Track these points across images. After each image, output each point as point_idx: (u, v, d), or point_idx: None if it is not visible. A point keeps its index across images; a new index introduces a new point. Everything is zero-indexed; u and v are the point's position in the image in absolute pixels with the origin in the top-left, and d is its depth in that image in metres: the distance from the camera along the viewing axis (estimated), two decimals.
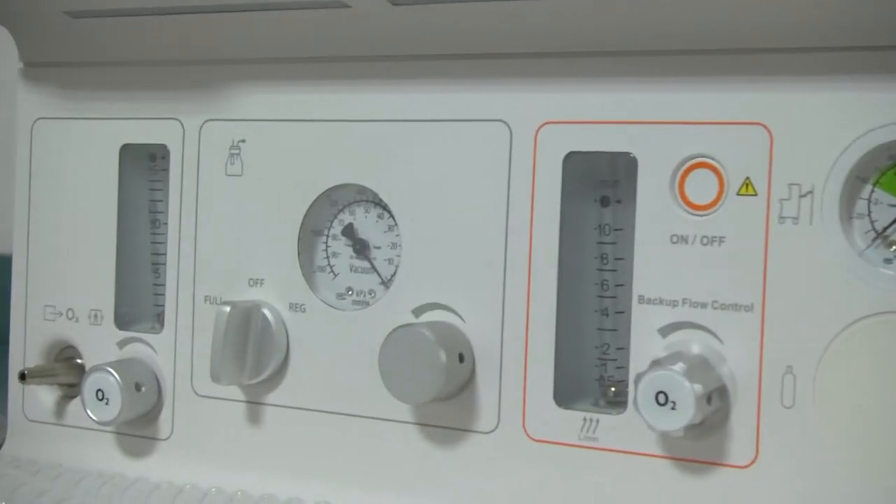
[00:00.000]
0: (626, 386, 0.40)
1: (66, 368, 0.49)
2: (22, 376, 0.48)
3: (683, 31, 0.38)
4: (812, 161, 0.37)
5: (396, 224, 0.43)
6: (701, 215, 0.38)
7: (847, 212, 0.37)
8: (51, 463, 0.47)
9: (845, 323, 0.36)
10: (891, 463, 0.35)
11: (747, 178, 0.38)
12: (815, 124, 0.37)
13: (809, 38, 0.37)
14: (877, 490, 0.36)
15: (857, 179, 0.37)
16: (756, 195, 0.38)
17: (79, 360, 0.49)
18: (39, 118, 0.50)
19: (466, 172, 0.42)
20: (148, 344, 0.48)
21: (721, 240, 0.38)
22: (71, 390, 0.50)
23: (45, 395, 0.50)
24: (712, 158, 0.38)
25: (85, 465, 0.47)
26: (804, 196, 0.37)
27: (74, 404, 0.49)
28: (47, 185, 0.50)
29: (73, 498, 0.40)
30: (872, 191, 0.37)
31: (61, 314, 0.50)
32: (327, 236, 0.46)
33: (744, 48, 0.38)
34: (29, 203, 0.50)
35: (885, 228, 0.37)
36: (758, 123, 0.38)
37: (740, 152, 0.38)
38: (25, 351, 0.50)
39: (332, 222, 0.46)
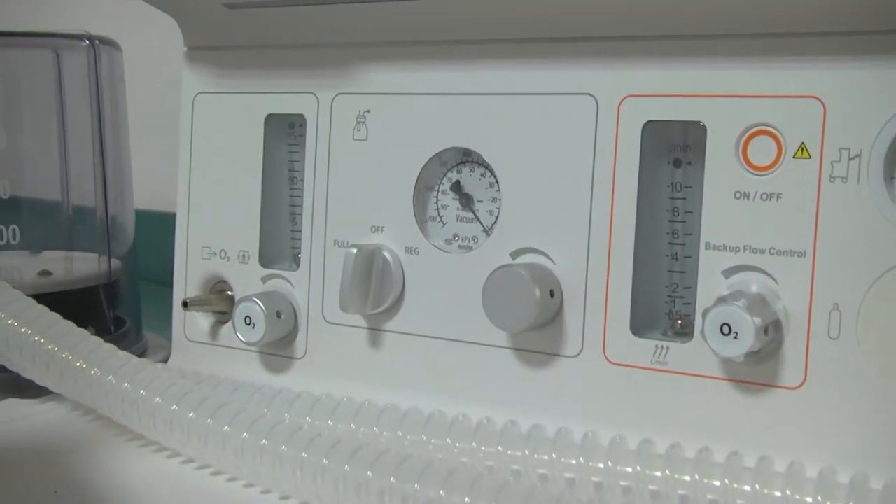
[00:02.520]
0: (693, 319, 0.41)
1: (219, 299, 0.51)
2: (184, 304, 0.51)
3: (749, 16, 0.39)
4: (860, 129, 0.37)
5: (497, 181, 0.44)
6: (761, 175, 0.39)
7: (890, 172, 0.37)
8: (209, 375, 0.49)
9: (886, 267, 0.37)
10: None
11: (802, 143, 0.38)
12: (864, 97, 0.37)
13: (859, 22, 0.37)
14: None
15: None
16: (810, 158, 0.38)
17: (229, 293, 0.51)
18: (200, 93, 0.52)
19: (558, 138, 0.43)
20: (286, 279, 0.50)
21: (779, 196, 0.38)
22: (223, 317, 0.52)
23: (202, 321, 0.52)
24: (772, 126, 0.38)
25: (236, 378, 0.49)
26: (853, 159, 0.37)
27: (226, 328, 0.51)
28: (205, 149, 0.52)
29: (231, 403, 0.42)
30: None
31: (216, 254, 0.52)
32: (438, 191, 0.47)
33: (801, 32, 0.38)
34: (190, 163, 0.52)
35: None
36: (813, 97, 0.38)
37: (797, 121, 0.38)
38: (186, 284, 0.53)
39: (441, 179, 0.47)
